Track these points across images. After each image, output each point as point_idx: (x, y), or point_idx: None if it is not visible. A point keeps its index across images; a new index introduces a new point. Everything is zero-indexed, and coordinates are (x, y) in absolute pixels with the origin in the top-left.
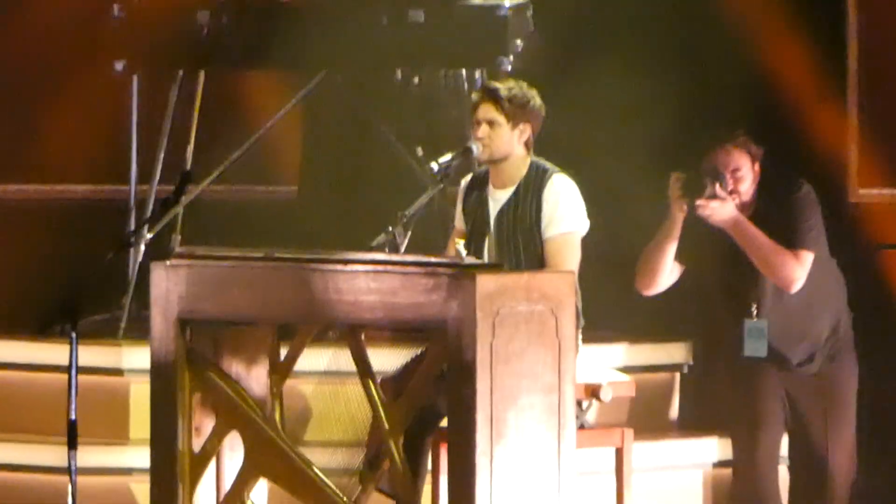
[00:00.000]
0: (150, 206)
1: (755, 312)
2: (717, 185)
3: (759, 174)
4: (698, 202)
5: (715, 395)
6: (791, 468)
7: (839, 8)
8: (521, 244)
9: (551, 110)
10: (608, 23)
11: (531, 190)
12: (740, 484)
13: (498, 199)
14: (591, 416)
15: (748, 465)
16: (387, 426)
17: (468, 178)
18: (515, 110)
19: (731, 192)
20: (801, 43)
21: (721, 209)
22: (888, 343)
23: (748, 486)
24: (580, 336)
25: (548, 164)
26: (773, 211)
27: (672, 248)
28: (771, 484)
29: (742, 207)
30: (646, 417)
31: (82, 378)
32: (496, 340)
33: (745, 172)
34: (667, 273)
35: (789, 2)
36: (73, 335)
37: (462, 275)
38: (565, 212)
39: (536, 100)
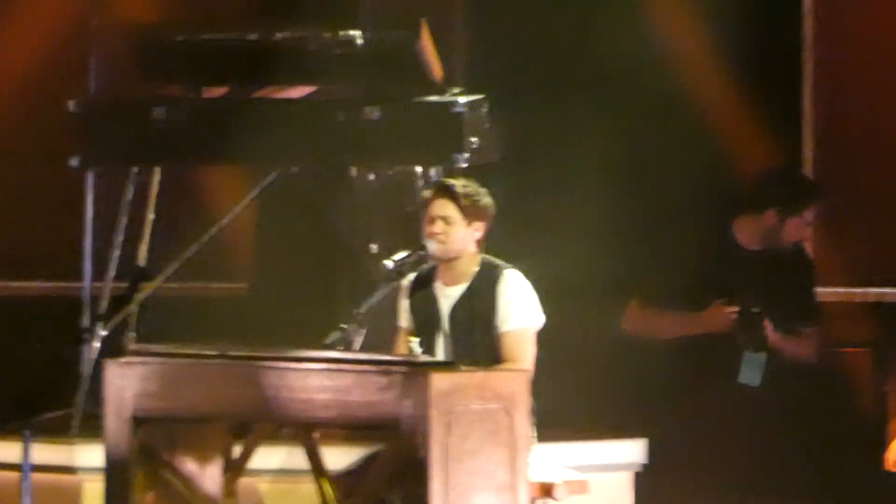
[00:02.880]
0: (105, 303)
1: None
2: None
3: None
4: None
5: (671, 494)
6: None
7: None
8: (477, 340)
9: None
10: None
11: (485, 286)
12: None
13: (450, 295)
14: None
15: None
16: None
17: (412, 276)
18: (470, 208)
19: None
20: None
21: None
22: None
23: None
24: (534, 433)
25: (499, 261)
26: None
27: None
28: None
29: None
30: None
31: (35, 476)
32: (450, 439)
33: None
34: None
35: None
36: (27, 433)
37: (416, 373)
38: (520, 307)
39: (488, 199)
